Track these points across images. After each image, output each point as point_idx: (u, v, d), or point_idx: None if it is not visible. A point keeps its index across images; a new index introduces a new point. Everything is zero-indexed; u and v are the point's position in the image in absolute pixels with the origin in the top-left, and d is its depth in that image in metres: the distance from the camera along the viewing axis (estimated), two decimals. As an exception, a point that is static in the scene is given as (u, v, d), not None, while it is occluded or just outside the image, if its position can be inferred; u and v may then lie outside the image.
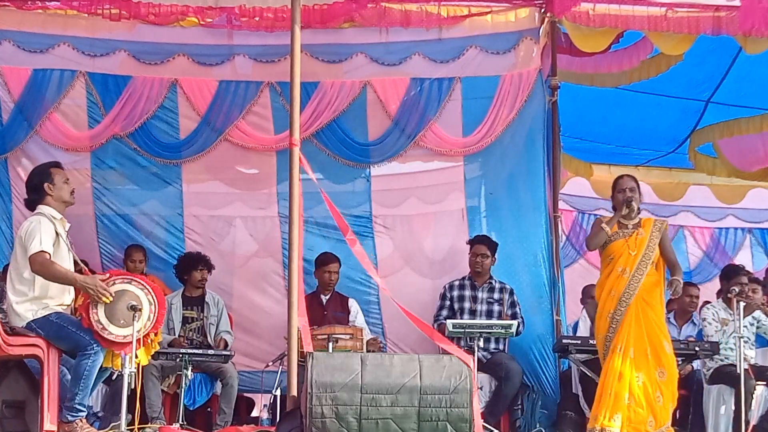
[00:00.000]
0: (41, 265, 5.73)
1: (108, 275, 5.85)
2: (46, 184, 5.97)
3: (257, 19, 7.69)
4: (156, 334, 5.89)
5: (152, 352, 5.98)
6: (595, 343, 7.10)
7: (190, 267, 7.66)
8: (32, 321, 5.77)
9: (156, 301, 5.81)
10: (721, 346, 7.18)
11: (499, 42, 7.93)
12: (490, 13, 7.96)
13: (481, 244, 7.68)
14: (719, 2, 7.38)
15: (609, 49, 8.08)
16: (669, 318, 8.02)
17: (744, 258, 11.90)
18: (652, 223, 6.77)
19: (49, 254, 5.76)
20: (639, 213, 6.79)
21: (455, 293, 7.71)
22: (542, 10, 7.90)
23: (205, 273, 7.65)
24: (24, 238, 5.80)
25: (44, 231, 5.78)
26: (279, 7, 7.59)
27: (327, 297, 7.81)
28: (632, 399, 6.36)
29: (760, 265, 11.67)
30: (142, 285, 5.84)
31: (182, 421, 6.84)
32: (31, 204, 6.05)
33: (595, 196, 11.29)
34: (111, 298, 5.69)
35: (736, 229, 12.26)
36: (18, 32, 7.94)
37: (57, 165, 6.19)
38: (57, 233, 5.87)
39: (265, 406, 7.42)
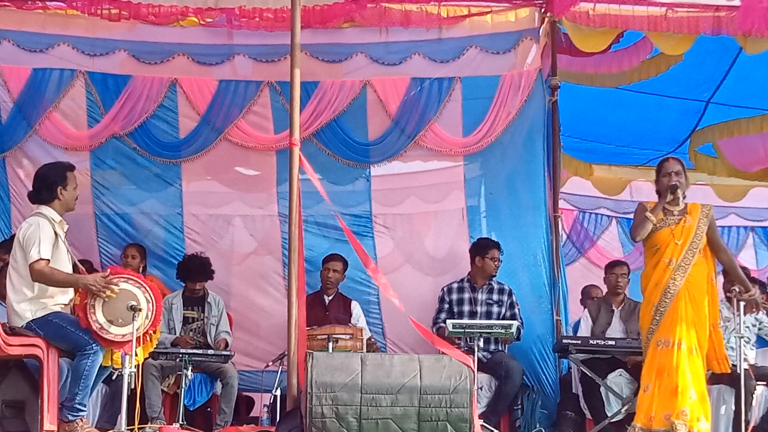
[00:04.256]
0: (40, 274, 5.72)
1: (108, 272, 5.84)
2: (59, 188, 5.93)
3: (257, 19, 7.67)
4: (155, 332, 5.89)
5: (150, 350, 5.97)
6: (595, 343, 7.13)
7: (185, 276, 7.67)
8: (31, 321, 5.77)
9: (153, 298, 5.80)
10: (721, 346, 7.17)
11: (499, 42, 7.92)
12: (490, 13, 7.95)
13: (495, 249, 7.64)
14: (719, 2, 7.36)
15: (609, 49, 8.07)
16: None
17: (747, 256, 11.85)
18: (699, 209, 6.36)
19: (48, 260, 5.75)
20: (685, 198, 6.38)
21: (454, 296, 7.70)
22: (542, 10, 7.88)
23: (195, 285, 7.62)
24: (23, 242, 5.79)
25: (43, 235, 5.75)
26: (279, 8, 7.59)
27: (330, 298, 7.81)
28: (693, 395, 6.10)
29: (764, 263, 11.66)
30: (139, 283, 5.84)
31: (182, 421, 6.84)
32: (36, 199, 6.00)
33: (596, 194, 11.28)
34: (117, 292, 5.69)
35: (738, 227, 12.19)
36: (18, 32, 7.94)
37: (72, 168, 6.12)
38: (56, 234, 5.86)
39: (265, 406, 7.41)
